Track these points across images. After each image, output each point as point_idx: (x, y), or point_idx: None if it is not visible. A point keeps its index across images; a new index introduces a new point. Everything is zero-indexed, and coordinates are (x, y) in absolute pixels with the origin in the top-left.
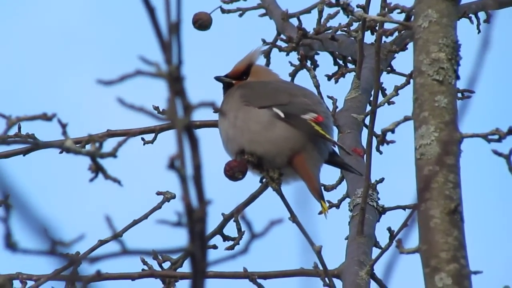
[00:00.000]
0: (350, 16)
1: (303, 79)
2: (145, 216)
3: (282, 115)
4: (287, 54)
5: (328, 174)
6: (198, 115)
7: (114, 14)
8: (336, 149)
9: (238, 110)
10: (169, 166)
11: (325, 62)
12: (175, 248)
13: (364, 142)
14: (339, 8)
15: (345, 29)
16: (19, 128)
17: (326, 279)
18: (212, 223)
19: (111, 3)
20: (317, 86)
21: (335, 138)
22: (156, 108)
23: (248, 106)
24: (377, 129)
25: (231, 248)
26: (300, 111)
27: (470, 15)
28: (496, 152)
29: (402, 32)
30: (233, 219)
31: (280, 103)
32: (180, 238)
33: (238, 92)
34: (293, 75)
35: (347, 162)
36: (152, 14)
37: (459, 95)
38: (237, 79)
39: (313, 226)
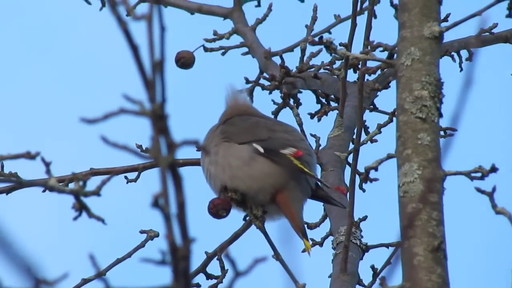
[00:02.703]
0: (333, 54)
1: (286, 117)
2: (129, 255)
3: (261, 150)
4: (270, 93)
5: (312, 211)
6: (182, 153)
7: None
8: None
9: (219, 146)
10: (153, 204)
11: (308, 100)
12: (159, 287)
13: (347, 180)
14: (322, 46)
15: (328, 67)
16: (2, 166)
17: None
18: (196, 261)
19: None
20: (300, 124)
21: (319, 176)
22: (139, 146)
23: (228, 142)
24: (360, 167)
25: (214, 286)
26: (280, 146)
27: (453, 53)
28: (479, 190)
29: (385, 70)
30: (217, 257)
31: (259, 138)
32: (164, 276)
33: (219, 129)
34: (276, 113)
35: (331, 195)
36: (136, 52)
37: (442, 133)
38: None
39: (297, 264)
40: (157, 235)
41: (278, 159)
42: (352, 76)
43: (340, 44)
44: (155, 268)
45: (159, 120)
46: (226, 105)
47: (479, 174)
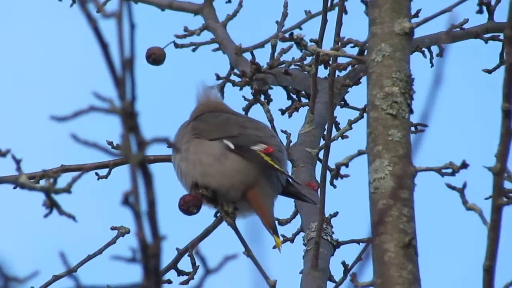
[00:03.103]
0: (303, 51)
1: (257, 114)
2: (100, 251)
3: (232, 146)
4: (241, 89)
5: (283, 207)
6: (153, 150)
7: (67, 49)
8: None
9: (189, 143)
10: (123, 202)
11: (278, 96)
12: (129, 284)
13: (318, 176)
14: (293, 43)
15: (299, 63)
16: None
17: None
18: (167, 257)
19: (64, 39)
20: (271, 120)
21: (289, 172)
22: (110, 143)
23: (199, 139)
24: (331, 163)
25: (185, 282)
26: (250, 142)
27: (424, 49)
28: (449, 186)
29: (355, 66)
30: (188, 253)
31: (230, 135)
32: (135, 272)
33: (190, 125)
34: (247, 109)
35: (301, 192)
36: (106, 50)
37: (413, 128)
38: None
39: (268, 260)
40: (128, 232)
41: (248, 155)
42: (323, 72)
43: (311, 40)
44: (126, 265)
45: (129, 118)
46: (197, 102)
47: (449, 170)
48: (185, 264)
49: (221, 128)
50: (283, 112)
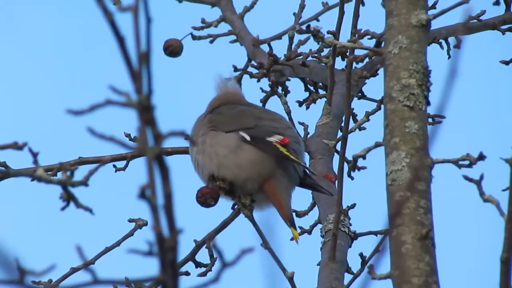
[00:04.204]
0: (320, 43)
1: (274, 105)
2: (118, 243)
3: (248, 138)
4: (258, 81)
5: (300, 199)
6: (170, 142)
7: (84, 43)
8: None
9: (206, 135)
10: (140, 195)
11: (296, 88)
12: (146, 277)
13: (335, 168)
14: (310, 35)
15: (316, 55)
16: None
17: None
18: (185, 249)
19: (80, 33)
20: (288, 112)
21: (307, 164)
22: (128, 135)
23: (215, 131)
24: (349, 155)
25: (203, 274)
26: (266, 133)
27: (441, 40)
28: (467, 178)
29: (372, 58)
30: (205, 245)
31: (246, 126)
32: (152, 265)
33: (207, 118)
34: (264, 101)
35: (318, 183)
36: (122, 44)
37: (430, 120)
38: None
39: (285, 252)
40: (146, 224)
41: (264, 146)
42: (340, 64)
43: (328, 32)
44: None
45: (145, 111)
46: (216, 93)
47: (467, 162)
48: (203, 256)
49: (237, 120)
50: (300, 104)
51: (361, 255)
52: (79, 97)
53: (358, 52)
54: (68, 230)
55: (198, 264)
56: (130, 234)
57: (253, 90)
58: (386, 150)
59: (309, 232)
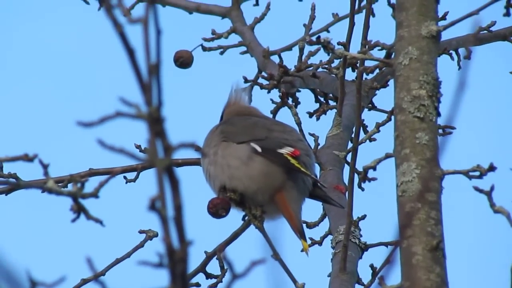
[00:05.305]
0: (331, 54)
1: (285, 117)
2: (128, 255)
3: (259, 149)
4: (269, 92)
5: (311, 210)
6: (181, 154)
7: (94, 55)
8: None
9: (218, 146)
10: (150, 207)
11: (306, 99)
12: None
13: (346, 179)
14: (320, 46)
15: (326, 66)
16: (1, 167)
17: None
18: (195, 260)
19: (91, 45)
20: (298, 123)
21: (317, 175)
22: (138, 146)
23: (227, 142)
24: (359, 166)
25: (214, 286)
26: (277, 145)
27: (451, 51)
28: (477, 189)
29: (383, 69)
30: (216, 256)
31: (257, 138)
32: (163, 276)
33: (219, 129)
34: (274, 112)
35: (329, 195)
36: (132, 56)
37: (440, 131)
38: None
39: (296, 263)
40: (156, 235)
41: (275, 158)
42: (350, 75)
43: (338, 43)
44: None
45: (155, 123)
46: (228, 104)
47: (477, 173)
48: (213, 267)
49: (249, 131)
50: (310, 115)
51: (371, 266)
52: (89, 109)
53: (369, 63)
54: (78, 242)
55: (208, 276)
56: (141, 245)
57: (263, 101)
58: (396, 161)
59: (320, 243)
